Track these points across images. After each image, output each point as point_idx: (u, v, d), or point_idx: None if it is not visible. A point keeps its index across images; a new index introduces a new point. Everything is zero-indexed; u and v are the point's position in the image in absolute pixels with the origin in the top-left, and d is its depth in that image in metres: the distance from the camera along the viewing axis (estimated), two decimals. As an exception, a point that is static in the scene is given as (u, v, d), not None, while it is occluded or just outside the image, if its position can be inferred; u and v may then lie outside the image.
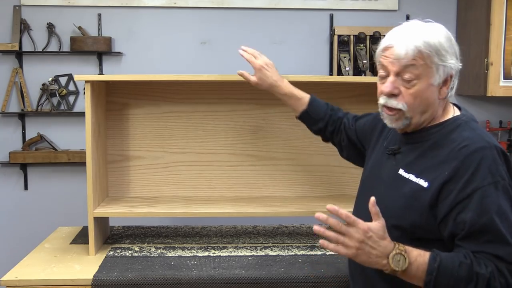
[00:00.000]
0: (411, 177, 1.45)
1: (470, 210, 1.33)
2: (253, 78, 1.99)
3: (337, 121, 1.93)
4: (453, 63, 1.43)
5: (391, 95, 1.44)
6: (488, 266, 1.31)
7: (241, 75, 2.02)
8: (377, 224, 1.35)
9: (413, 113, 1.44)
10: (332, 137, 1.96)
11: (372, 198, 1.38)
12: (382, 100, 1.48)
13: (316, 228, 1.37)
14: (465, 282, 1.31)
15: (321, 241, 1.37)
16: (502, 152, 1.39)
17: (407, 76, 1.41)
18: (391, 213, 1.43)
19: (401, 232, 1.42)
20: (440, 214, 1.37)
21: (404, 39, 1.41)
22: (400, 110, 1.44)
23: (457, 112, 1.51)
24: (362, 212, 1.47)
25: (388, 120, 1.49)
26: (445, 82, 1.44)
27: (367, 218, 1.38)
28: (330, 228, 1.37)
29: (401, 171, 1.48)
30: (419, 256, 1.34)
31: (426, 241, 1.40)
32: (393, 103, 1.44)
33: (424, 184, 1.40)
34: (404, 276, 1.35)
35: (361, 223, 1.35)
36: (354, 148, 1.88)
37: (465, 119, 1.48)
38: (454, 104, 1.54)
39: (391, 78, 1.44)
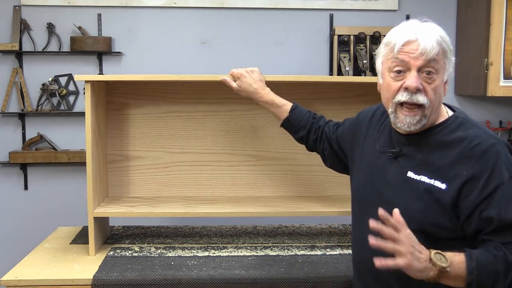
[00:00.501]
0: (423, 178, 1.44)
1: (495, 207, 1.35)
2: (234, 85, 2.02)
3: (319, 129, 1.93)
4: (454, 60, 1.47)
5: (417, 90, 1.41)
6: None
7: (224, 82, 2.04)
8: (411, 232, 1.33)
9: (431, 110, 1.43)
10: (315, 146, 1.96)
11: (396, 210, 1.33)
12: (403, 96, 1.42)
13: (372, 242, 1.32)
14: (504, 274, 1.32)
15: (377, 263, 1.31)
16: (508, 147, 1.43)
17: (429, 70, 1.41)
18: (410, 218, 1.39)
19: (424, 235, 1.40)
20: (464, 213, 1.38)
21: (426, 34, 1.40)
22: (421, 107, 1.42)
23: (450, 111, 1.52)
24: (366, 220, 1.42)
25: (406, 122, 1.44)
26: (447, 80, 1.47)
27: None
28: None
29: (410, 174, 1.46)
30: (455, 256, 1.34)
31: (448, 240, 1.40)
32: (419, 98, 1.41)
33: (442, 185, 1.40)
34: (448, 278, 1.33)
35: (405, 227, 1.32)
36: (336, 156, 1.89)
37: (464, 116, 1.49)
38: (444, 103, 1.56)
39: (414, 73, 1.41)
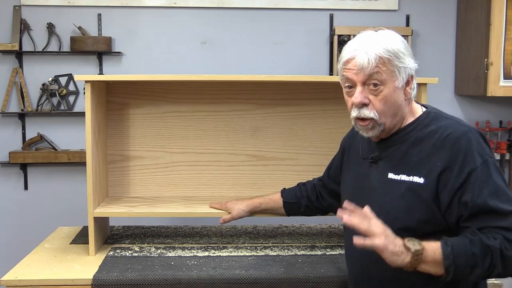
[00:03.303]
0: (403, 177, 1.48)
1: (469, 192, 1.38)
2: (229, 217, 2.12)
3: (314, 188, 2.02)
4: (412, 63, 1.48)
5: (362, 105, 1.47)
6: (496, 238, 1.36)
7: (221, 222, 2.14)
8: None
9: (385, 119, 1.48)
10: (321, 205, 2.01)
11: (366, 207, 1.43)
12: (354, 112, 1.50)
13: (356, 241, 1.39)
14: (481, 257, 1.35)
15: (355, 241, 1.38)
16: (480, 134, 1.47)
17: (373, 83, 1.45)
18: (395, 217, 1.46)
19: (409, 233, 1.44)
20: (444, 204, 1.42)
21: (363, 49, 1.44)
22: (372, 119, 1.47)
23: (423, 108, 1.57)
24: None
25: (363, 131, 1.52)
26: (408, 83, 1.49)
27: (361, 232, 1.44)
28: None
29: (391, 175, 1.51)
30: (430, 243, 1.38)
31: (433, 234, 1.43)
32: (366, 112, 1.47)
33: (420, 180, 1.44)
34: (425, 264, 1.37)
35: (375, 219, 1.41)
36: (337, 196, 1.92)
37: (436, 111, 1.54)
38: (417, 102, 1.60)
39: (359, 89, 1.47)
